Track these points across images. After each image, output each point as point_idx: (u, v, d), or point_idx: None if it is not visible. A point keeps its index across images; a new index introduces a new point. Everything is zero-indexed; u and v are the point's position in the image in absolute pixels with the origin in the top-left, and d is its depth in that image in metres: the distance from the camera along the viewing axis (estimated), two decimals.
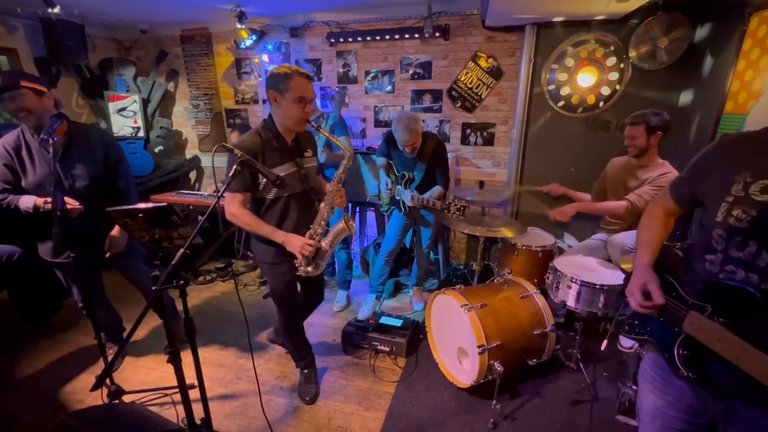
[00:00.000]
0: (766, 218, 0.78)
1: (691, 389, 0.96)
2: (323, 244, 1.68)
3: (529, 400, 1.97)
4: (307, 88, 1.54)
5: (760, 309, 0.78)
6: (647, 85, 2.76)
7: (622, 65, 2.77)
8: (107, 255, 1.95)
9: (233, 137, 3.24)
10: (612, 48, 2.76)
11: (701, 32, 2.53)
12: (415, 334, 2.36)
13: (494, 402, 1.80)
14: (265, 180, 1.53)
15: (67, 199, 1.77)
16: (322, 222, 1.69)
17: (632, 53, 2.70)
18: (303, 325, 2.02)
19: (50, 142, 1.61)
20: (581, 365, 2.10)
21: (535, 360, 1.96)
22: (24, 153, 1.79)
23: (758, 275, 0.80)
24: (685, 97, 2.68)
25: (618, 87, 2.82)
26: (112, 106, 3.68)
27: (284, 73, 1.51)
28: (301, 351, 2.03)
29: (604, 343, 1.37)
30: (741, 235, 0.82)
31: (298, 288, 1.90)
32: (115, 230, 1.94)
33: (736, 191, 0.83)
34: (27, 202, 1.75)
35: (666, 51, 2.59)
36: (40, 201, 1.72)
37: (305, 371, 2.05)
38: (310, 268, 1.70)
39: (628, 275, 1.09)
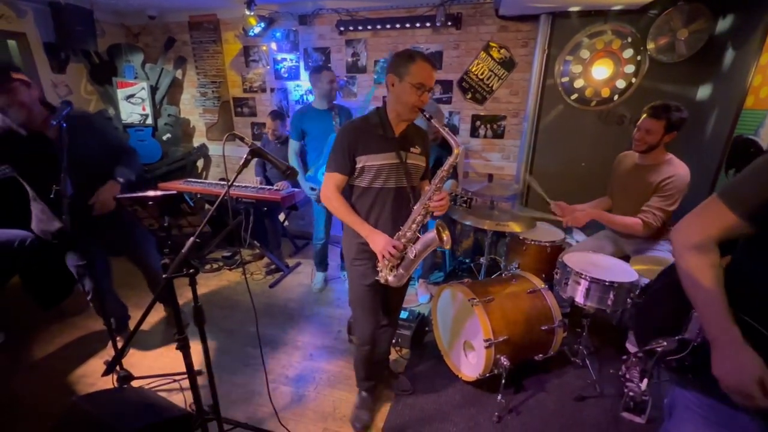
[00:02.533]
0: None
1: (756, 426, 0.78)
2: (410, 251, 1.46)
3: (534, 394, 1.96)
4: (429, 74, 1.40)
5: None
6: (664, 78, 2.68)
7: (639, 57, 2.70)
8: (93, 214, 1.84)
9: (269, 124, 3.22)
10: (629, 39, 2.68)
11: (723, 24, 2.44)
12: (420, 327, 2.36)
13: (499, 396, 1.80)
14: (361, 164, 1.46)
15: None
16: (414, 226, 1.48)
17: (650, 45, 2.62)
18: (383, 353, 1.86)
19: (60, 128, 1.61)
20: (587, 361, 2.09)
21: (541, 355, 1.96)
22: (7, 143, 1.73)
23: None
24: (703, 92, 2.60)
25: (634, 80, 2.75)
26: (121, 93, 3.67)
27: (407, 56, 1.40)
28: (369, 374, 1.82)
29: (644, 382, 1.24)
30: None
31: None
32: (107, 186, 1.82)
33: None
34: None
35: (685, 43, 2.52)
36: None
37: (363, 394, 1.86)
38: (391, 277, 1.51)
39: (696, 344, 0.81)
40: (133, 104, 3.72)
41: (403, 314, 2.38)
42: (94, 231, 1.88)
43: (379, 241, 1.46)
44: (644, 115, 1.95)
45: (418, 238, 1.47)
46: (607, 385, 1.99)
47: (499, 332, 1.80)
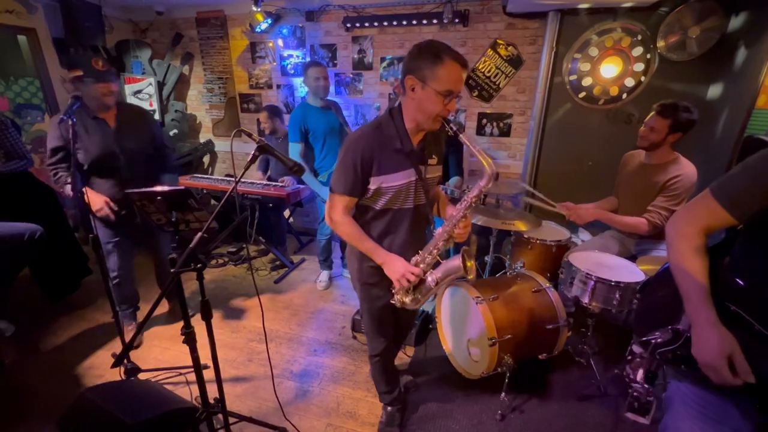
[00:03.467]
0: None
1: (747, 420, 0.82)
2: (429, 278, 1.33)
3: (538, 393, 1.96)
4: (459, 77, 1.16)
5: None
6: (674, 77, 2.65)
7: (648, 56, 2.66)
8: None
9: (262, 117, 3.24)
10: (639, 37, 2.65)
11: (735, 22, 2.41)
12: (424, 324, 2.37)
13: (503, 394, 1.81)
14: (376, 185, 1.28)
15: (108, 202, 1.97)
16: (435, 251, 1.33)
17: (660, 43, 2.59)
18: (393, 357, 1.81)
19: (70, 122, 1.63)
20: (591, 361, 2.09)
21: (545, 354, 1.95)
22: (80, 130, 1.92)
23: None
24: (714, 91, 2.57)
25: (643, 78, 2.72)
26: (129, 89, 3.70)
27: (433, 53, 1.13)
28: (389, 383, 1.74)
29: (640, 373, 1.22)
30: None
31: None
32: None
33: None
34: (69, 189, 1.89)
35: (697, 41, 2.48)
36: (70, 193, 1.82)
37: (389, 409, 1.77)
38: (407, 299, 1.39)
39: (679, 330, 0.86)
40: (140, 100, 3.74)
41: None
42: (126, 216, 2.06)
43: (396, 269, 1.32)
44: (652, 112, 1.93)
45: (438, 263, 1.34)
46: (611, 385, 1.98)
47: (503, 331, 1.80)
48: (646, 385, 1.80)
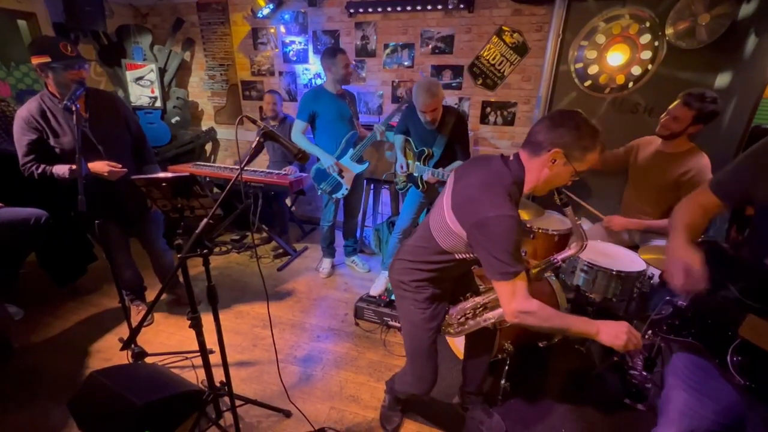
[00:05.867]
0: None
1: (739, 394, 0.90)
2: (484, 318, 1.40)
3: (538, 379, 2.00)
4: (597, 162, 1.16)
5: None
6: (682, 65, 2.61)
7: (656, 43, 2.62)
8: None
9: (267, 99, 3.25)
10: (647, 24, 2.60)
11: (747, 8, 2.35)
12: None
13: (503, 380, 1.84)
14: None
15: (110, 162, 1.90)
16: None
17: (669, 30, 2.54)
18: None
19: (74, 109, 1.63)
20: (591, 349, 2.11)
21: (545, 342, 1.98)
22: (51, 118, 1.84)
23: None
24: (722, 80, 2.53)
25: (650, 67, 2.68)
26: (130, 75, 3.67)
27: (590, 135, 1.08)
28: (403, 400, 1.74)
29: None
30: None
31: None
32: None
33: None
34: (60, 169, 1.85)
35: (706, 28, 2.43)
36: (74, 166, 1.77)
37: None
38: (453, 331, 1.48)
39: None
40: (142, 86, 3.72)
41: None
42: (112, 205, 2.02)
43: (620, 331, 1.06)
44: (677, 101, 1.91)
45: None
46: (610, 372, 2.01)
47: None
48: (644, 373, 1.83)
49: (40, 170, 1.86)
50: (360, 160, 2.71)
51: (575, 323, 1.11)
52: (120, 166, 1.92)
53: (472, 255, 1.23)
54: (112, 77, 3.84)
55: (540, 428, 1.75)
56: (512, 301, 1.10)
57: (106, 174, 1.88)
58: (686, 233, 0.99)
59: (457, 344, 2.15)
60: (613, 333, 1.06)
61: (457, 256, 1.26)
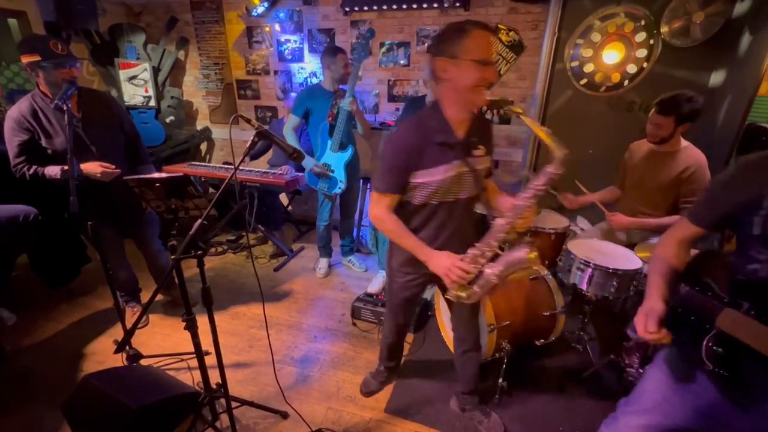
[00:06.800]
0: None
1: (715, 387, 0.95)
2: (488, 271, 1.23)
3: (535, 378, 2.00)
4: (489, 44, 1.11)
5: None
6: (677, 63, 2.62)
7: (651, 41, 2.63)
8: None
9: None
10: (642, 22, 2.61)
11: (741, 7, 2.37)
12: (423, 311, 2.39)
13: (500, 379, 1.84)
14: (418, 180, 1.24)
15: (102, 163, 1.87)
16: (494, 243, 1.23)
17: (664, 28, 2.55)
18: (403, 339, 1.84)
19: (65, 108, 1.61)
20: (588, 347, 2.12)
21: (542, 340, 1.98)
22: (42, 119, 1.81)
23: None
24: (717, 78, 2.54)
25: (645, 65, 2.69)
26: (123, 74, 3.63)
27: (456, 28, 1.10)
28: (389, 353, 1.84)
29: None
30: None
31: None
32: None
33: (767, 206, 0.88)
34: (52, 170, 1.82)
35: (701, 27, 2.44)
36: (66, 167, 1.75)
37: (381, 368, 1.91)
38: (463, 294, 1.27)
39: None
40: (135, 86, 3.68)
41: None
42: (105, 206, 1.99)
43: (441, 263, 1.24)
44: (653, 110, 1.90)
45: (497, 255, 1.25)
46: (607, 370, 2.02)
47: (501, 318, 1.82)
48: (640, 370, 1.84)
49: (31, 171, 1.83)
50: (342, 147, 2.59)
51: (411, 245, 1.30)
52: (113, 166, 1.89)
53: (428, 195, 1.27)
54: (105, 77, 3.80)
55: (538, 426, 1.75)
56: (374, 208, 1.32)
57: (99, 175, 1.85)
58: (663, 288, 1.03)
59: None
60: (438, 263, 1.25)
61: (415, 201, 1.31)
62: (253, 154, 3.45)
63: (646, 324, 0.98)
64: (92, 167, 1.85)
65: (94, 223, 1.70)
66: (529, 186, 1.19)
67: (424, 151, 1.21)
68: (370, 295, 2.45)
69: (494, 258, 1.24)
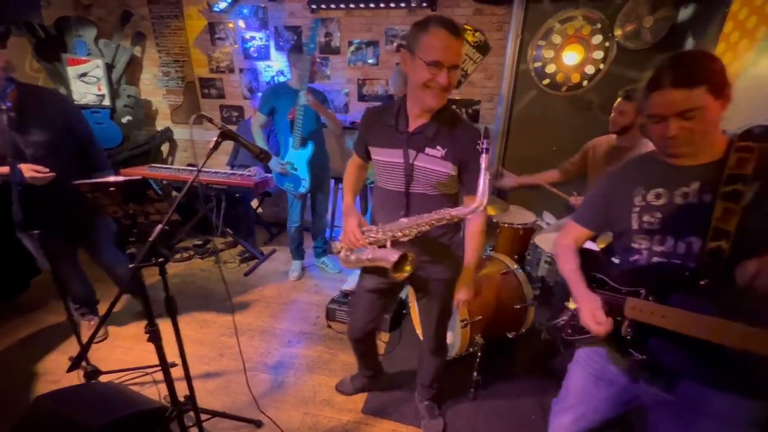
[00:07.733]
0: (670, 217, 0.94)
1: (635, 374, 1.02)
2: (365, 254, 1.31)
3: (507, 370, 2.06)
4: (446, 46, 1.06)
5: (686, 281, 0.90)
6: (630, 64, 2.77)
7: (607, 44, 2.77)
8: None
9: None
10: (598, 26, 2.75)
11: (685, 13, 2.54)
12: (398, 310, 2.40)
13: (475, 373, 1.87)
14: (372, 156, 1.35)
15: (33, 166, 1.68)
16: (399, 233, 1.25)
17: (618, 32, 2.69)
18: (370, 344, 1.77)
19: (3, 108, 1.47)
20: (556, 337, 2.20)
21: (514, 333, 2.04)
22: None
23: (680, 260, 0.93)
24: None
25: (602, 66, 2.83)
26: (72, 71, 3.38)
27: (423, 23, 1.09)
28: (359, 357, 1.80)
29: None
30: (658, 233, 0.96)
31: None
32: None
33: (639, 202, 0.99)
34: None
35: (650, 30, 2.60)
36: (2, 170, 1.59)
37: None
38: (341, 253, 1.41)
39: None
40: (87, 83, 3.44)
41: None
42: (52, 214, 1.82)
43: (348, 226, 1.34)
44: (619, 98, 2.01)
45: (385, 246, 1.28)
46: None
47: (474, 313, 1.86)
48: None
49: None
50: (303, 143, 2.54)
51: (345, 198, 1.44)
52: (47, 170, 1.70)
53: (377, 175, 1.36)
54: (51, 73, 3.52)
55: (512, 418, 1.80)
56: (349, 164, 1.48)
57: (32, 178, 1.67)
58: (579, 279, 1.08)
59: None
60: (346, 221, 1.36)
61: (376, 180, 1.40)
62: (239, 164, 3.30)
63: (595, 318, 0.98)
64: (24, 171, 1.66)
65: (42, 232, 1.57)
66: (440, 212, 1.19)
67: (375, 129, 1.31)
68: (346, 295, 2.43)
69: (382, 246, 1.30)
